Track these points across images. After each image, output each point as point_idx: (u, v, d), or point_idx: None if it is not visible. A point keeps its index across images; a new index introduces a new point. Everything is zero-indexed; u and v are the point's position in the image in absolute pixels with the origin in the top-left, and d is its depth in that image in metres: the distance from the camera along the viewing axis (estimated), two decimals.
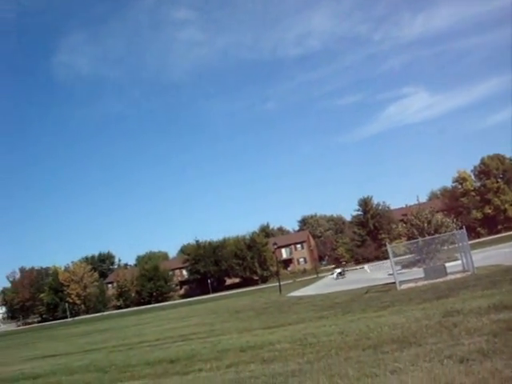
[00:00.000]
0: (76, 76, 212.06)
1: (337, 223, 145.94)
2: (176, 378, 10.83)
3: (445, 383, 6.34)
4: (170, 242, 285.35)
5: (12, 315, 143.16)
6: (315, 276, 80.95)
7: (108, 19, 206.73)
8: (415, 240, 38.92)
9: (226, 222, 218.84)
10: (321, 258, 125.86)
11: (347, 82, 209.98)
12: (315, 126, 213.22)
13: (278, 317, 22.12)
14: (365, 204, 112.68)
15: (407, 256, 43.88)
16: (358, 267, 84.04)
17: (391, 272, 28.06)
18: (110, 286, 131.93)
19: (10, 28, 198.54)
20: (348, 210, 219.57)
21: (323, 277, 72.29)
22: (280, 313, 24.56)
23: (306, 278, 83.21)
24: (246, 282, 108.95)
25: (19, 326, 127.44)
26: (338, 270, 72.12)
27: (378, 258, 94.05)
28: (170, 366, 12.62)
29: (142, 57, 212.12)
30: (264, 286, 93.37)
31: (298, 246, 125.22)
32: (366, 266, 73.34)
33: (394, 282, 24.49)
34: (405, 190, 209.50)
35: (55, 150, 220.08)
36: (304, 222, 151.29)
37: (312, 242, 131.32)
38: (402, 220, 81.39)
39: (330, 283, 48.73)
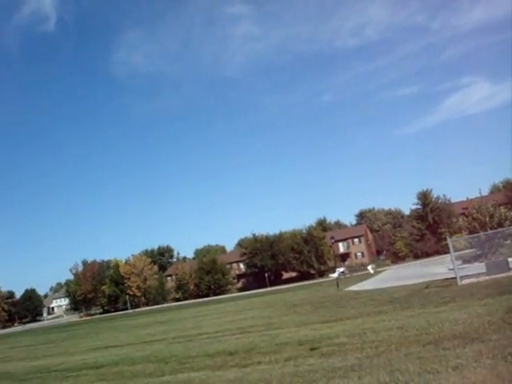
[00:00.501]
0: (134, 73, 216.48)
1: (395, 217, 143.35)
2: (235, 370, 10.94)
3: (509, 381, 6.19)
4: (227, 236, 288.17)
5: (75, 306, 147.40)
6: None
7: (164, 17, 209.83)
8: (477, 234, 38.05)
9: (283, 216, 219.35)
10: (379, 253, 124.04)
11: (405, 73, 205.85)
12: (373, 118, 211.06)
13: (336, 311, 22.00)
14: (424, 197, 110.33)
15: (468, 250, 42.95)
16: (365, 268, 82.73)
17: (451, 267, 27.51)
18: (169, 278, 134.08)
19: (70, 28, 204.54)
20: (407, 204, 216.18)
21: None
22: (338, 307, 24.42)
23: (363, 272, 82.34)
24: (303, 276, 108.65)
25: (81, 316, 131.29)
26: (341, 269, 74.36)
27: (437, 253, 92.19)
28: (229, 358, 12.76)
29: (197, 53, 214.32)
30: (321, 280, 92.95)
31: (356, 240, 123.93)
32: (369, 267, 73.00)
33: (455, 277, 23.98)
34: (466, 182, 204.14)
35: (114, 146, 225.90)
36: (361, 216, 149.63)
37: (370, 236, 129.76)
38: (462, 214, 79.89)
39: (387, 278, 48.11)
